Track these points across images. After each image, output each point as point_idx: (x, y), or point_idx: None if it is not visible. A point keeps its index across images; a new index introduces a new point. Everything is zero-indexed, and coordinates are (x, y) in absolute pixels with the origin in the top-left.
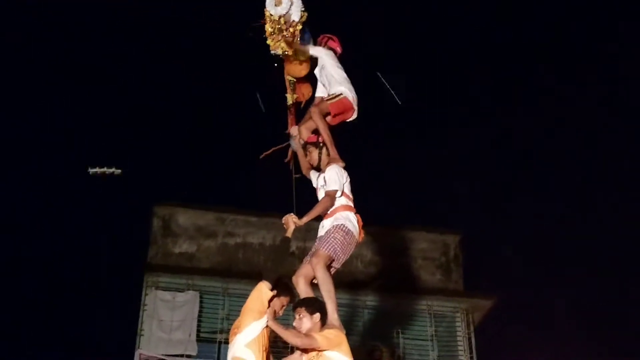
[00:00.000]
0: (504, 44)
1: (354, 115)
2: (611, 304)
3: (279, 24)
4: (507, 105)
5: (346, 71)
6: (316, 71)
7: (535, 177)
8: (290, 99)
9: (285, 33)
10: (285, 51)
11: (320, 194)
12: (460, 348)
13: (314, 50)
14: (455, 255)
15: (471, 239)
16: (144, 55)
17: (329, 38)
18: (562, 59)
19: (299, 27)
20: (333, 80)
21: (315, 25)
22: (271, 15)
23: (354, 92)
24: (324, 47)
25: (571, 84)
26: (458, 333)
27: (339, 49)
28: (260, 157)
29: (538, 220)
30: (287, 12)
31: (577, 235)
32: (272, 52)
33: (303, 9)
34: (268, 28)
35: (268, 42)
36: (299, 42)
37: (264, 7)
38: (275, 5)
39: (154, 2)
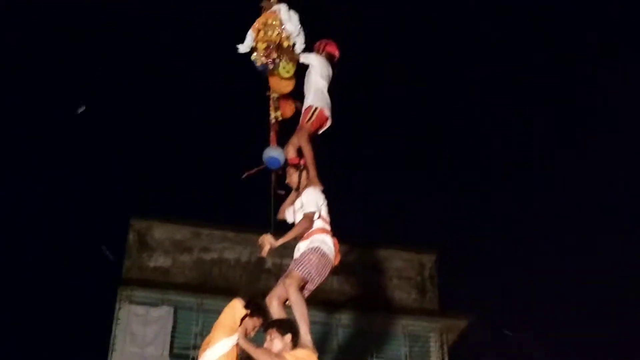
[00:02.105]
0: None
1: (329, 123)
2: (586, 327)
3: (280, 39)
4: (483, 126)
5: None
6: (305, 79)
7: (513, 197)
8: (273, 115)
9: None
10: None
11: (298, 217)
12: None
13: (305, 58)
14: (431, 275)
15: (447, 259)
16: (131, 70)
17: (327, 43)
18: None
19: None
20: (311, 88)
21: (314, 25)
22: (283, 29)
23: (328, 100)
24: (321, 52)
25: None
26: (432, 353)
27: (337, 53)
28: (243, 177)
29: (516, 241)
30: (296, 35)
31: (554, 257)
32: (257, 64)
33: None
34: (264, 37)
35: (255, 55)
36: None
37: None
38: (291, 22)
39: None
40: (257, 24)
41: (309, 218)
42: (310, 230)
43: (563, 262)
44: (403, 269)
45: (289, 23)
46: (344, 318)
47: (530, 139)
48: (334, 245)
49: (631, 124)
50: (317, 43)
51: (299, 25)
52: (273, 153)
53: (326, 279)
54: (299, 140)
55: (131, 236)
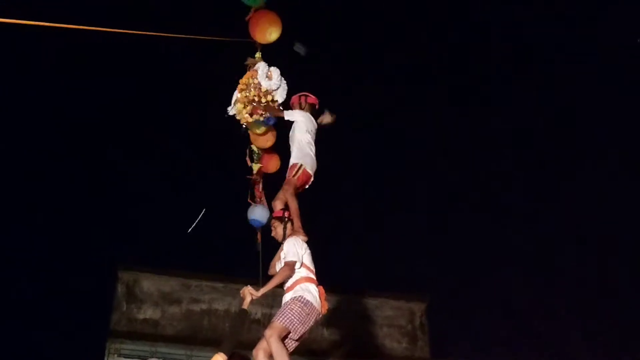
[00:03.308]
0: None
1: (312, 180)
2: None
3: (259, 97)
4: (468, 169)
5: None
6: (290, 134)
7: (500, 243)
8: (254, 168)
9: (262, 103)
10: (247, 122)
11: (280, 267)
12: None
13: (290, 116)
14: (421, 323)
15: (438, 307)
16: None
17: (306, 96)
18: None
19: (275, 104)
20: (296, 146)
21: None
22: (260, 86)
23: (314, 158)
24: (304, 105)
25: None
26: None
27: (317, 102)
28: (258, 248)
29: (505, 287)
30: (275, 90)
31: (545, 299)
32: (241, 119)
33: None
34: (248, 95)
35: (240, 108)
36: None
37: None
38: (268, 79)
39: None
40: (240, 84)
41: (289, 266)
42: (294, 280)
43: (558, 308)
44: (393, 317)
45: (264, 80)
46: None
47: (521, 187)
48: (320, 293)
49: None
50: (295, 97)
51: (279, 81)
52: (254, 215)
53: (314, 327)
54: (284, 194)
55: (119, 288)
